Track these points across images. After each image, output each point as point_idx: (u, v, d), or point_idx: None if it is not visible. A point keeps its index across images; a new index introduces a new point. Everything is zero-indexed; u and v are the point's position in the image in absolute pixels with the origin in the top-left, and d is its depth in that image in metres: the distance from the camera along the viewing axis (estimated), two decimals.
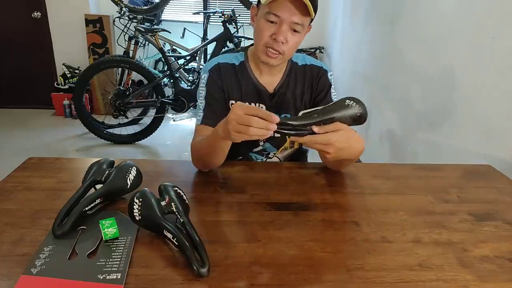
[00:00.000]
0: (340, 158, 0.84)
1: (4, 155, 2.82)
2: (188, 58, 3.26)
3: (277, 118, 0.74)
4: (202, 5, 3.97)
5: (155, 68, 3.84)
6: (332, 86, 1.13)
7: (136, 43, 3.19)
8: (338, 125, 0.80)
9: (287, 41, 0.97)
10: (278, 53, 0.99)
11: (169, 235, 0.68)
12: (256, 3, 1.04)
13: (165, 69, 3.34)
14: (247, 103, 1.09)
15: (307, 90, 1.12)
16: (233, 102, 1.11)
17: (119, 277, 0.61)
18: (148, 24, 3.56)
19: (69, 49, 3.79)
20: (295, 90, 1.12)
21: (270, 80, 1.11)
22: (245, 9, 3.54)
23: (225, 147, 0.93)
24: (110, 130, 3.26)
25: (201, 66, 3.50)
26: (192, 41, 3.77)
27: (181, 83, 3.25)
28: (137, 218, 0.72)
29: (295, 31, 0.97)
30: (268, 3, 0.95)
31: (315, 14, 0.96)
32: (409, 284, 0.64)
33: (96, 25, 3.67)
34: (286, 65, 1.12)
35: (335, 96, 1.14)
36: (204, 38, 3.70)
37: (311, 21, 1.01)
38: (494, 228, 0.82)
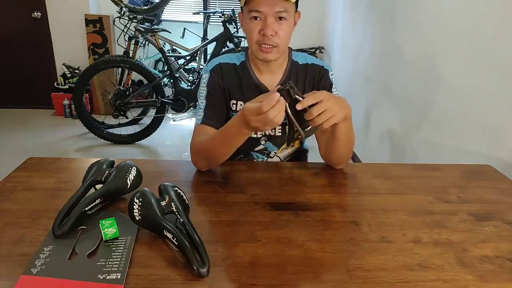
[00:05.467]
0: (343, 117, 0.85)
1: (4, 155, 2.82)
2: (188, 58, 3.26)
3: (277, 94, 0.77)
4: (202, 5, 3.97)
5: (155, 68, 3.84)
6: (334, 86, 1.13)
7: (136, 43, 3.18)
8: (315, 93, 0.80)
9: (277, 33, 0.98)
10: (272, 46, 1.00)
11: (169, 235, 0.68)
12: (240, 9, 1.05)
13: (165, 69, 3.34)
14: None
15: (308, 89, 1.12)
16: (234, 102, 1.11)
17: (119, 277, 0.61)
18: (148, 24, 3.56)
19: (69, 49, 3.79)
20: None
21: (271, 79, 1.11)
22: None
23: (241, 141, 0.92)
24: (110, 130, 3.26)
25: (201, 66, 3.50)
26: (192, 41, 3.77)
27: (181, 83, 3.25)
28: (137, 218, 0.72)
29: (281, 19, 0.98)
30: (247, 4, 0.97)
31: None
32: (409, 284, 0.64)
33: (96, 25, 3.67)
34: (286, 63, 1.12)
35: (337, 95, 1.14)
36: (204, 38, 3.70)
37: (297, 6, 1.02)
38: (494, 228, 0.81)
